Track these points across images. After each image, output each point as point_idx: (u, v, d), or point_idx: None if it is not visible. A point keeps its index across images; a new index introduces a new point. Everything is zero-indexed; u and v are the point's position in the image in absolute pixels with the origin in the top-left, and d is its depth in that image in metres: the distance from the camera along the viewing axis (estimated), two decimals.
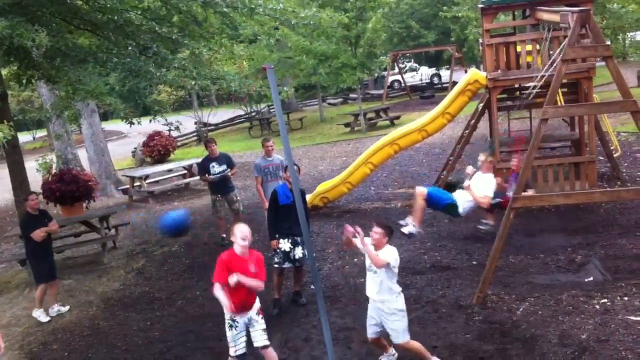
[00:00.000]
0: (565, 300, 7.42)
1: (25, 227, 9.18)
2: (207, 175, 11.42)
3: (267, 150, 10.83)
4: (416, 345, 6.16)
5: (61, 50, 8.88)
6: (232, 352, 6.32)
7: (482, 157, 9.63)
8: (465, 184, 9.15)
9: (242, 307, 6.16)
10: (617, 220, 10.15)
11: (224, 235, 11.48)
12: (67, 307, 9.57)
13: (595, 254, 8.86)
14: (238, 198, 11.84)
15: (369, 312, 6.28)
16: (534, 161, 8.38)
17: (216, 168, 11.34)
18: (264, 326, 6.37)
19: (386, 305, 6.06)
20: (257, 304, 6.38)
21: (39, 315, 9.24)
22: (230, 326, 6.26)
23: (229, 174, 11.42)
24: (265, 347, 6.34)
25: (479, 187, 9.08)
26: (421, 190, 9.10)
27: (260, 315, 6.37)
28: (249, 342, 6.35)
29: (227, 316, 6.22)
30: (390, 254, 5.97)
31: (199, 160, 12.35)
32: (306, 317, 7.99)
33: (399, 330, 6.08)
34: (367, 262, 6.11)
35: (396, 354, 6.46)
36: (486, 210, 9.63)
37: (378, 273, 6.02)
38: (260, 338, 6.31)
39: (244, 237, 6.20)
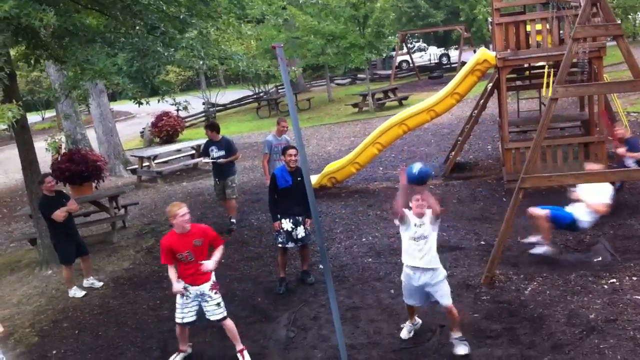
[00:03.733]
0: (573, 280, 7.42)
1: (44, 210, 9.18)
2: (207, 157, 11.51)
3: (281, 128, 10.85)
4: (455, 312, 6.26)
5: (69, 30, 8.85)
6: (178, 318, 6.68)
7: (594, 166, 8.56)
8: (574, 195, 8.26)
9: (192, 280, 6.47)
10: (626, 201, 10.11)
11: (233, 220, 11.62)
12: (101, 283, 9.67)
13: (604, 234, 8.84)
14: (234, 184, 11.65)
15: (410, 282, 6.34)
16: (544, 141, 8.33)
17: (215, 152, 11.29)
18: (218, 300, 6.62)
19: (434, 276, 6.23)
20: (211, 280, 6.61)
21: (74, 292, 9.32)
22: (182, 295, 6.57)
23: (222, 161, 11.26)
24: (221, 319, 6.65)
25: (596, 196, 8.13)
26: (541, 213, 8.22)
27: (214, 291, 6.60)
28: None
29: (181, 285, 6.48)
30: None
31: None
32: (314, 297, 8.03)
33: (447, 294, 6.23)
34: (416, 232, 6.18)
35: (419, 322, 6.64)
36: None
37: (428, 238, 6.18)
38: (214, 312, 6.61)
39: (184, 214, 6.38)
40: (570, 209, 8.20)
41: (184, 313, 6.64)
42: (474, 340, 6.35)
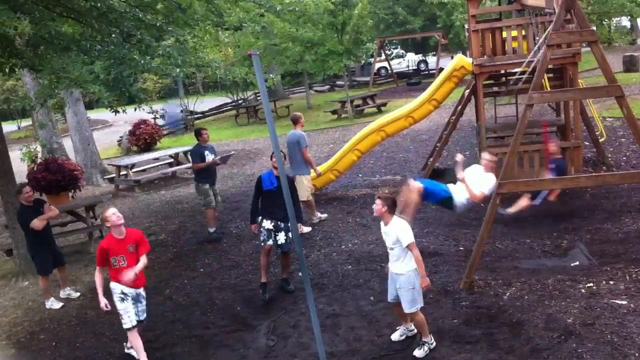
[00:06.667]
0: (551, 284, 7.46)
1: (23, 220, 9.06)
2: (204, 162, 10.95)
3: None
4: (422, 318, 6.33)
5: (44, 38, 8.78)
6: (127, 323, 6.70)
7: (487, 156, 8.55)
8: (460, 175, 8.21)
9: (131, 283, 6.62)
10: (602, 205, 10.21)
11: (213, 229, 11.28)
12: (78, 294, 9.56)
13: (581, 238, 8.92)
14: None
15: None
16: (520, 147, 8.39)
17: (209, 157, 11.05)
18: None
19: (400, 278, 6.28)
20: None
21: (52, 304, 9.21)
22: (122, 299, 6.65)
23: (217, 160, 11.18)
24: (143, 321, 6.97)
25: (478, 184, 8.16)
26: (416, 185, 8.16)
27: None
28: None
29: (118, 290, 6.60)
30: (406, 231, 6.16)
31: (185, 148, 12.14)
32: (294, 304, 8.00)
33: (408, 301, 6.24)
34: (387, 242, 6.32)
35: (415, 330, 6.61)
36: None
37: (394, 249, 6.24)
38: (144, 312, 6.91)
39: (119, 217, 6.60)
40: (450, 187, 8.28)
41: (131, 316, 6.72)
42: (454, 346, 6.37)
